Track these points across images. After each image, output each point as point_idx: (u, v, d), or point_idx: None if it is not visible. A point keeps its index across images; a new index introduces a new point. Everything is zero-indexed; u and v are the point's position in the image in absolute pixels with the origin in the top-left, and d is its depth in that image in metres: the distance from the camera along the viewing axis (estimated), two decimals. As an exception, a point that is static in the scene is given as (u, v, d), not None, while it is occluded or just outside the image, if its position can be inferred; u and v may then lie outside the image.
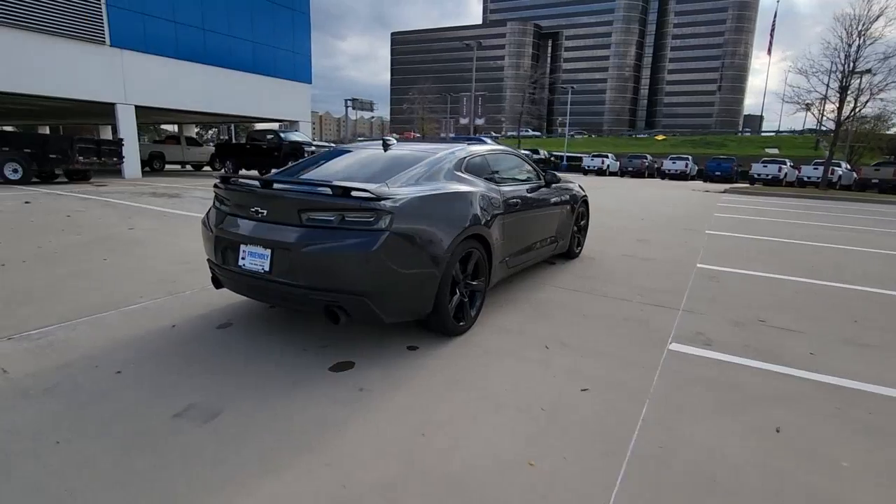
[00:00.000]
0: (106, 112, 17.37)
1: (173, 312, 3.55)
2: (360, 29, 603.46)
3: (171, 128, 36.84)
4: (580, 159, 38.36)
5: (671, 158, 33.05)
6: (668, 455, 2.06)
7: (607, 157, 35.70)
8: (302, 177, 3.34)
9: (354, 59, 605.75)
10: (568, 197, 5.13)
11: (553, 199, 4.74)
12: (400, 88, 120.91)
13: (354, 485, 1.82)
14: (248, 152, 19.32)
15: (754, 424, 2.31)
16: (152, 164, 23.02)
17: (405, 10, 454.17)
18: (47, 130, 35.55)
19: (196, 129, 40.18)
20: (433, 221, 2.89)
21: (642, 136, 74.85)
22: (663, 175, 32.76)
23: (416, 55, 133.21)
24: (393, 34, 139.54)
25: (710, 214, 10.84)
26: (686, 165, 31.59)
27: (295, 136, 18.87)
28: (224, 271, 3.02)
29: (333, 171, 3.44)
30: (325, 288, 2.65)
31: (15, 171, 12.05)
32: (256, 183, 2.97)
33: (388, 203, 2.67)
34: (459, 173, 3.46)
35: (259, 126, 25.64)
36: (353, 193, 2.64)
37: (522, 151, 21.61)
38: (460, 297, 3.20)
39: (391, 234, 2.64)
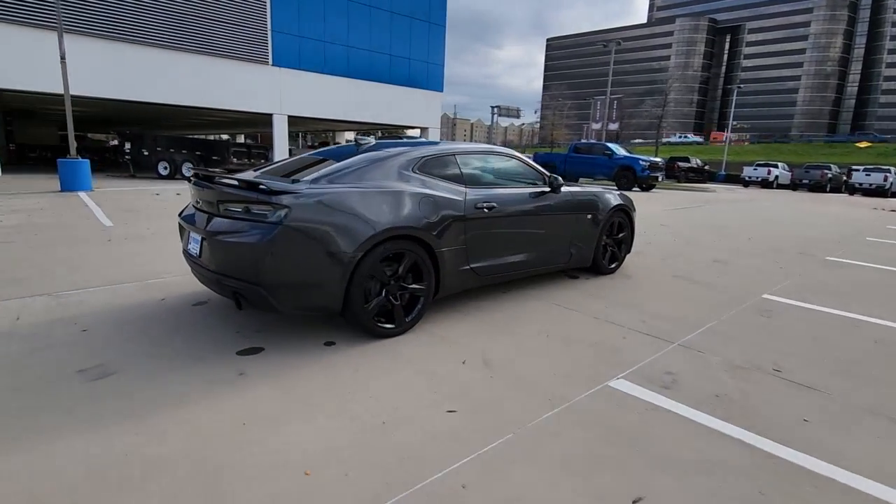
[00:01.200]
0: (267, 122, 20.44)
1: (175, 288, 4.11)
2: (517, 37, 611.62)
3: (349, 135, 41.69)
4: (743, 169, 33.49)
5: (864, 170, 26.94)
6: (458, 498, 1.77)
7: (776, 166, 30.53)
8: (249, 172, 3.58)
9: (510, 67, 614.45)
10: (588, 205, 4.59)
11: (560, 207, 4.30)
12: (551, 95, 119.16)
13: (126, 455, 1.94)
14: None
15: (614, 490, 1.85)
16: (305, 167, 26.37)
17: (565, 15, 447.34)
18: (242, 139, 43.09)
19: (353, 135, 45.07)
20: (341, 219, 2.88)
21: (839, 141, 62.14)
22: (852, 190, 26.87)
23: (570, 60, 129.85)
24: (548, 40, 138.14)
25: (859, 239, 8.63)
26: (885, 179, 25.44)
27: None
28: (184, 253, 3.41)
29: (285, 167, 3.60)
30: (230, 275, 2.83)
31: (188, 168, 14.97)
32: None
33: (286, 198, 2.75)
34: (409, 173, 3.38)
35: (409, 132, 27.66)
36: (261, 187, 2.78)
37: (654, 158, 19.71)
38: (386, 298, 3.13)
39: (285, 228, 2.71)
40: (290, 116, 20.11)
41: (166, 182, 14.33)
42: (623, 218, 5.09)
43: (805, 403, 2.56)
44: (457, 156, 3.74)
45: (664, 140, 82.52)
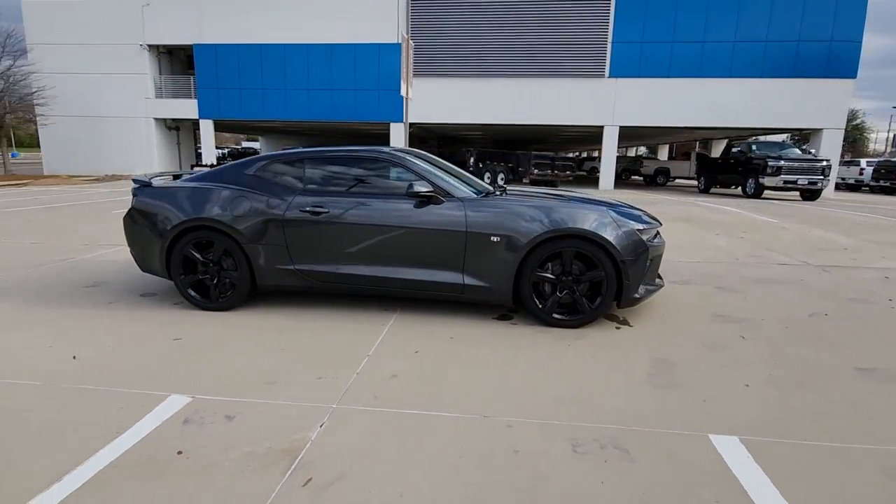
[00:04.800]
0: (594, 136, 20.64)
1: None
2: None
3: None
4: None
5: None
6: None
7: None
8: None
9: None
10: (494, 223, 3.41)
11: (441, 222, 3.47)
12: None
13: (-7, 317, 3.66)
14: (718, 167, 17.66)
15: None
16: (656, 179, 24.78)
17: None
18: (584, 155, 43.45)
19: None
20: (161, 208, 3.77)
21: None
22: None
23: None
24: None
25: None
26: None
27: (767, 150, 15.49)
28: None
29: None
30: (133, 241, 4.26)
31: (501, 178, 17.38)
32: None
33: (137, 189, 3.91)
34: (248, 174, 3.82)
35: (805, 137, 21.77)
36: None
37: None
38: (198, 276, 3.79)
39: (130, 210, 3.90)
40: (623, 127, 19.61)
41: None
42: (596, 252, 3.36)
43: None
44: (307, 160, 3.80)
45: None
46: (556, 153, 29.73)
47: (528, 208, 3.48)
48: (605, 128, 19.58)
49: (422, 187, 3.48)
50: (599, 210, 3.50)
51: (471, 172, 20.01)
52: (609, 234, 3.35)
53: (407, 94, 14.58)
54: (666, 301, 4.17)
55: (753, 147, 15.89)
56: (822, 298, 4.32)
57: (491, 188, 4.34)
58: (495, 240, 3.44)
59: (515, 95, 19.39)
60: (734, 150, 16.37)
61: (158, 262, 3.85)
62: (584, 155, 42.98)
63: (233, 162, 4.06)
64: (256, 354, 3.06)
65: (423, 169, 3.70)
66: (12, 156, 46.10)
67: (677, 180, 27.27)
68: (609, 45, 18.85)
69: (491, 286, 3.52)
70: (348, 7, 19.73)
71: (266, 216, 3.65)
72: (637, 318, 3.72)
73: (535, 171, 16.61)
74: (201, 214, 3.69)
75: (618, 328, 3.53)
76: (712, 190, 18.69)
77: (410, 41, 14.75)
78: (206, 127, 21.64)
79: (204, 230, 3.73)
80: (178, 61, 23.23)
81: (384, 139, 21.08)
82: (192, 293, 3.84)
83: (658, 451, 2.09)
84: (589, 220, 3.39)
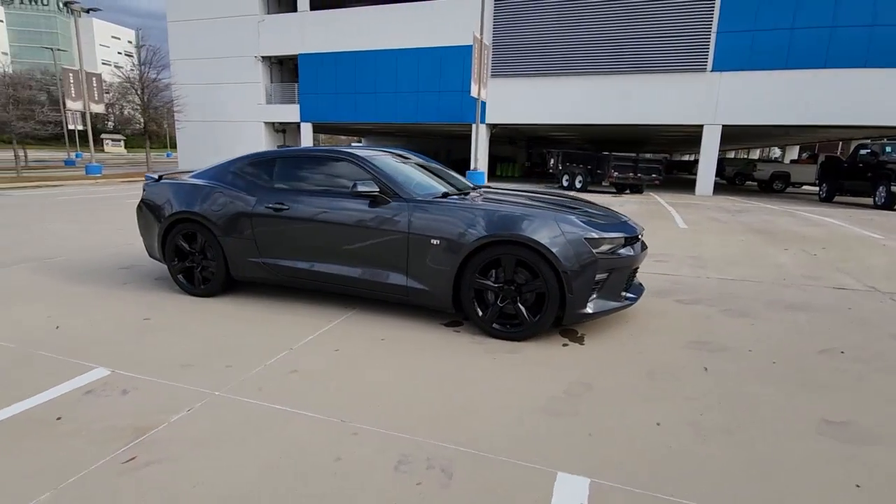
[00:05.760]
0: (691, 136, 18.70)
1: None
2: None
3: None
4: None
5: None
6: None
7: None
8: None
9: None
10: (434, 225, 3.29)
11: (383, 222, 3.45)
12: None
13: None
14: (844, 173, 15.10)
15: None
16: (772, 185, 21.85)
17: None
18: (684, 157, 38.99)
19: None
20: (159, 201, 4.21)
21: None
22: None
23: None
24: None
25: None
26: None
27: (904, 151, 12.90)
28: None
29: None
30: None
31: (579, 181, 16.52)
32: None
33: (146, 184, 4.40)
34: (235, 172, 4.11)
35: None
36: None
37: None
38: (186, 264, 4.16)
39: (140, 202, 4.40)
40: (728, 127, 17.59)
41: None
42: (535, 260, 3.09)
43: None
44: (278, 160, 3.99)
45: None
46: (640, 155, 27.51)
47: (471, 211, 3.31)
48: (705, 127, 17.74)
49: (365, 187, 3.48)
50: (547, 215, 3.22)
51: (550, 174, 19.40)
52: (548, 241, 3.07)
53: (479, 94, 14.60)
54: (648, 320, 3.70)
55: (887, 148, 13.32)
56: (856, 332, 3.51)
57: (470, 187, 4.23)
58: (435, 243, 3.33)
59: (604, 94, 18.36)
60: (863, 151, 13.85)
61: (158, 249, 4.31)
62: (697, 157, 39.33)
63: (224, 161, 4.40)
64: (199, 338, 3.29)
65: (377, 170, 3.68)
66: (167, 155, 54.43)
67: (804, 187, 23.79)
68: (713, 36, 17.02)
69: (431, 290, 3.41)
70: (434, 12, 20.18)
71: (238, 211, 3.91)
72: (597, 336, 3.36)
73: (615, 173, 15.49)
74: (186, 208, 4.06)
75: (565, 345, 3.22)
76: (837, 199, 16.02)
77: (484, 42, 14.76)
78: (306, 129, 23.52)
79: (189, 223, 4.10)
80: (286, 70, 25.52)
81: (468, 140, 21.19)
82: (182, 279, 4.24)
83: (484, 482, 1.89)
84: (528, 225, 3.13)
